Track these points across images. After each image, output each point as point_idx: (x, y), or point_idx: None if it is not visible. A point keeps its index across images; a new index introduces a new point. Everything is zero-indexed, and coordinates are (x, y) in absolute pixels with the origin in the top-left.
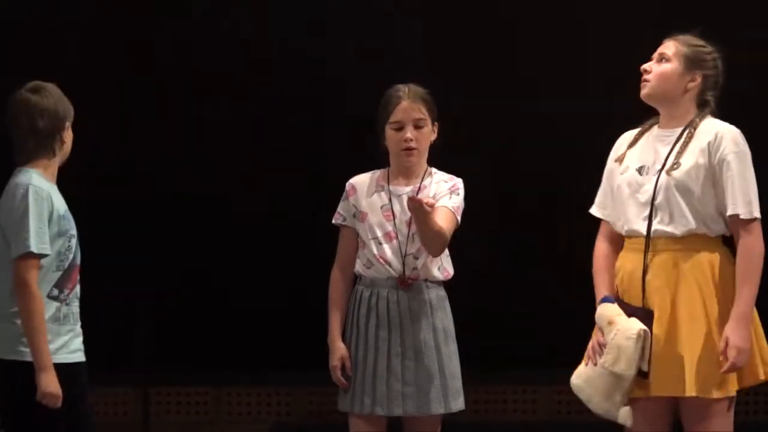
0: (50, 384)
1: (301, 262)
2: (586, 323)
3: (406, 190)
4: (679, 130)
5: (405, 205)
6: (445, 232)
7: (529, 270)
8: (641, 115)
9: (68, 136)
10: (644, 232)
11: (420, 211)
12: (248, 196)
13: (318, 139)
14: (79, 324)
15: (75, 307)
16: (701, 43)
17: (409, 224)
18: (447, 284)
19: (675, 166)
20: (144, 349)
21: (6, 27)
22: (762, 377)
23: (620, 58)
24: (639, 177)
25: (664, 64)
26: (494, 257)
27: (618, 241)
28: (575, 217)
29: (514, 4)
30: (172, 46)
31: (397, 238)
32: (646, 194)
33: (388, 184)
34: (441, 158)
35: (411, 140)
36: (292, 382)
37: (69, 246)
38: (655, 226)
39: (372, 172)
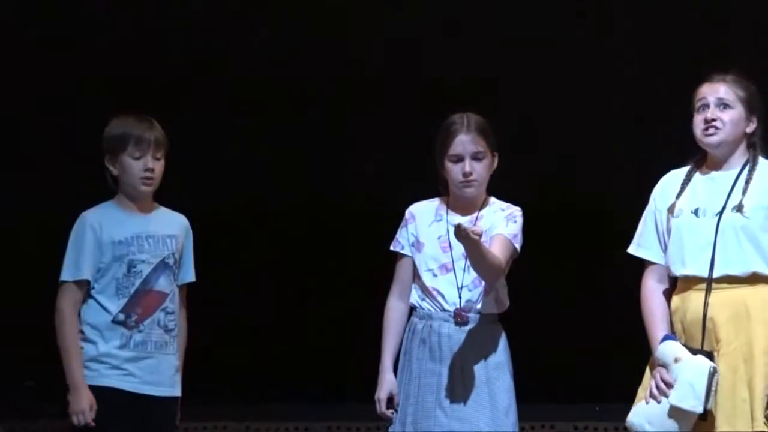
0: (78, 402)
1: (323, 298)
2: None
3: (463, 221)
4: (734, 171)
5: None
6: (500, 261)
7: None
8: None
9: (118, 166)
10: (705, 274)
11: (468, 239)
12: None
13: None
14: (168, 354)
15: (155, 335)
16: (752, 85)
17: (465, 256)
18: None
19: (739, 208)
20: None
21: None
22: None
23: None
24: (696, 219)
25: (729, 110)
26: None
27: (666, 281)
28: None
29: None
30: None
31: (453, 270)
32: (705, 236)
33: (447, 214)
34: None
35: (470, 173)
36: (310, 416)
37: (133, 271)
38: (718, 267)
39: (432, 200)
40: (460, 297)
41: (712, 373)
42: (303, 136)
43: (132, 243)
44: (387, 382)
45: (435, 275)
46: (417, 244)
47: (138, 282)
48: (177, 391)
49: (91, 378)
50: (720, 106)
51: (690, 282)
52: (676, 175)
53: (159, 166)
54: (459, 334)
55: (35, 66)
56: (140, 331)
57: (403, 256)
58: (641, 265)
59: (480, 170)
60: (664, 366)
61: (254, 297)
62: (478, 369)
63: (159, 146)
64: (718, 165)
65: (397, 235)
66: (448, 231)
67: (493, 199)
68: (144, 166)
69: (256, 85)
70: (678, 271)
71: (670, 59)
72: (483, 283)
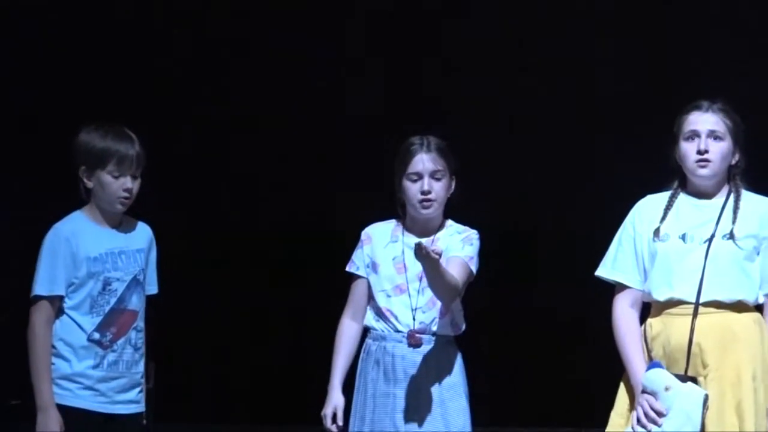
0: (46, 424)
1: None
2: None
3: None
4: (720, 200)
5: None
6: (457, 282)
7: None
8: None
9: (94, 180)
10: (693, 299)
11: (428, 259)
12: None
13: None
14: (135, 372)
15: (126, 354)
16: (736, 115)
17: (420, 277)
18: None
19: (730, 236)
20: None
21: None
22: None
23: None
24: (684, 244)
25: (720, 142)
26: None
27: (638, 306)
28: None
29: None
30: None
31: (407, 291)
32: (695, 261)
33: (403, 236)
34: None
35: (429, 192)
36: None
37: (108, 289)
38: (705, 292)
39: (389, 221)
40: (414, 318)
41: (705, 401)
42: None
43: (107, 260)
44: (333, 399)
45: (389, 296)
46: (372, 266)
47: (113, 301)
48: (143, 407)
49: (63, 397)
50: (711, 137)
51: (672, 306)
52: (655, 200)
53: (136, 185)
54: (413, 356)
55: None
56: (113, 351)
57: (358, 277)
58: (601, 285)
59: (438, 190)
60: (652, 394)
61: (226, 317)
62: (433, 390)
63: (139, 164)
64: (702, 193)
65: (353, 256)
66: (403, 252)
67: (450, 222)
68: (123, 185)
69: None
70: (663, 295)
71: (631, 82)
72: (437, 304)
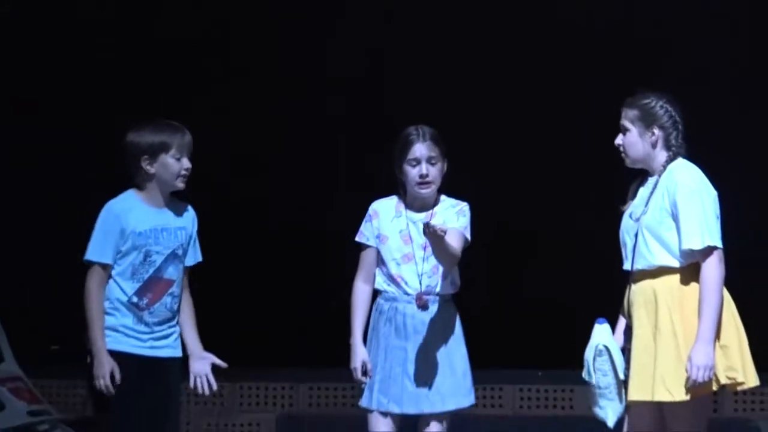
0: (100, 367)
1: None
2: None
3: (420, 217)
4: (656, 177)
5: (420, 230)
6: (457, 250)
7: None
8: None
9: (156, 166)
10: (630, 268)
11: (435, 236)
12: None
13: None
14: (166, 328)
15: (161, 316)
16: (647, 99)
17: (424, 247)
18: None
19: (645, 212)
20: None
21: None
22: (714, 387)
23: None
24: (630, 222)
25: (627, 134)
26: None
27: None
28: None
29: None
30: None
31: (414, 259)
32: (632, 236)
33: (405, 211)
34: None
35: (427, 175)
36: (294, 378)
37: (149, 260)
38: (636, 261)
39: (391, 198)
40: (420, 283)
41: (603, 351)
42: None
43: (150, 235)
44: (359, 354)
45: (399, 264)
46: (381, 237)
47: (151, 270)
48: (179, 353)
49: (110, 343)
50: (624, 131)
51: (629, 274)
52: (636, 183)
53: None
54: (421, 315)
55: None
56: (150, 313)
57: (368, 246)
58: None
59: (434, 173)
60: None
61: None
62: (439, 343)
63: (191, 148)
64: (651, 173)
65: (362, 228)
66: (408, 226)
67: (443, 197)
68: (184, 166)
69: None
70: (624, 266)
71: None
72: (440, 269)
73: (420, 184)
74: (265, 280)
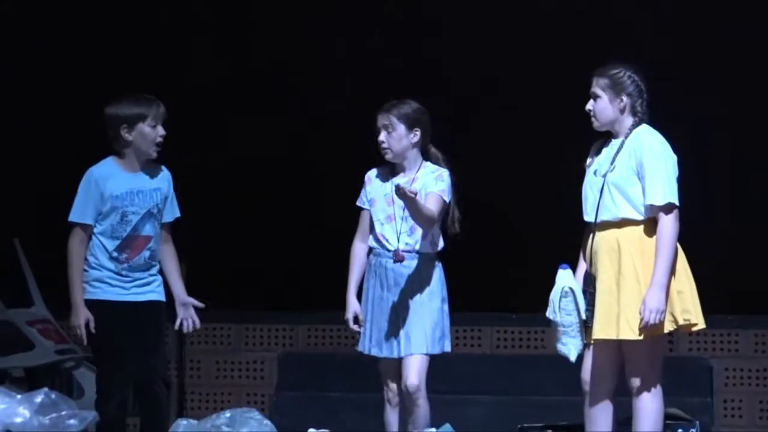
0: (76, 318)
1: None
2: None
3: (403, 181)
4: (621, 139)
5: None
6: (432, 212)
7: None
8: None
9: (134, 134)
10: (593, 220)
11: (405, 197)
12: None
13: None
14: (147, 276)
15: (141, 267)
16: (616, 69)
17: (404, 208)
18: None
19: (612, 169)
20: None
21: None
22: (673, 327)
23: None
24: (595, 178)
25: (597, 100)
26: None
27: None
28: None
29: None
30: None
31: (394, 220)
32: (596, 191)
33: (391, 176)
34: None
35: (383, 142)
36: (294, 321)
37: (126, 220)
38: (600, 213)
39: (384, 165)
40: (398, 240)
41: (568, 293)
42: None
43: (126, 198)
44: (352, 306)
45: (382, 224)
46: (371, 201)
47: (129, 229)
48: (163, 297)
49: (94, 294)
50: (595, 98)
51: (590, 225)
52: (598, 144)
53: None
54: (400, 269)
55: None
56: (130, 265)
57: (363, 209)
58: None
59: (390, 141)
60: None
61: (254, 224)
62: (414, 295)
63: (165, 118)
64: (615, 135)
65: (361, 194)
66: (391, 190)
67: (427, 164)
68: (159, 132)
69: None
70: (587, 217)
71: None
72: (418, 229)
73: (380, 150)
74: (271, 234)
